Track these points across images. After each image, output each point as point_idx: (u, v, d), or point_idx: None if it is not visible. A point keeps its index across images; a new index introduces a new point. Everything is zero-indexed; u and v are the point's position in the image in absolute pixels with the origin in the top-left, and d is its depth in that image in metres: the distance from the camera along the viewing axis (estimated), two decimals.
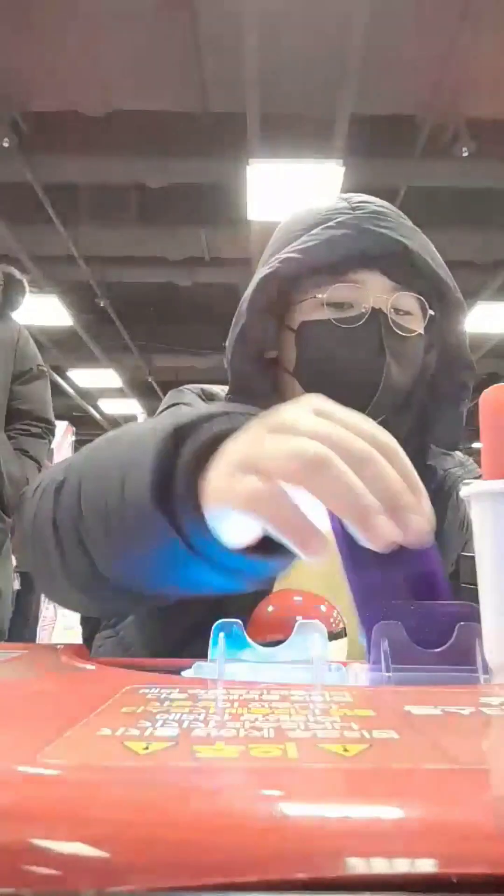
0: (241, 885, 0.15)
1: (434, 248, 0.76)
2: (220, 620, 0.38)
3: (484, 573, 0.34)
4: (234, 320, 0.76)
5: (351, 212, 0.73)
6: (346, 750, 0.20)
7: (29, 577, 3.70)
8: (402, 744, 0.21)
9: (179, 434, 0.42)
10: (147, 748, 0.20)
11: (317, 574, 0.50)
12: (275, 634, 0.41)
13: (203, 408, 0.46)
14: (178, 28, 3.55)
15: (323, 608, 0.53)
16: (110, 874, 0.15)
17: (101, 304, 6.56)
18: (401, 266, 0.72)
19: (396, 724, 0.24)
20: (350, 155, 4.02)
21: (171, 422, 0.43)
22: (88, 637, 0.75)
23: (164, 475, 0.41)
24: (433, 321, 0.76)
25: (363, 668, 0.36)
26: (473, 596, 0.36)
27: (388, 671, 0.34)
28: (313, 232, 0.72)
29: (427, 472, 0.78)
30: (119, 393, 9.50)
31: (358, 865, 0.15)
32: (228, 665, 0.35)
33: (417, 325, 0.74)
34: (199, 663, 0.38)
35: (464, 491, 0.36)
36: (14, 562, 2.33)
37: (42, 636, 4.34)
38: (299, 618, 0.40)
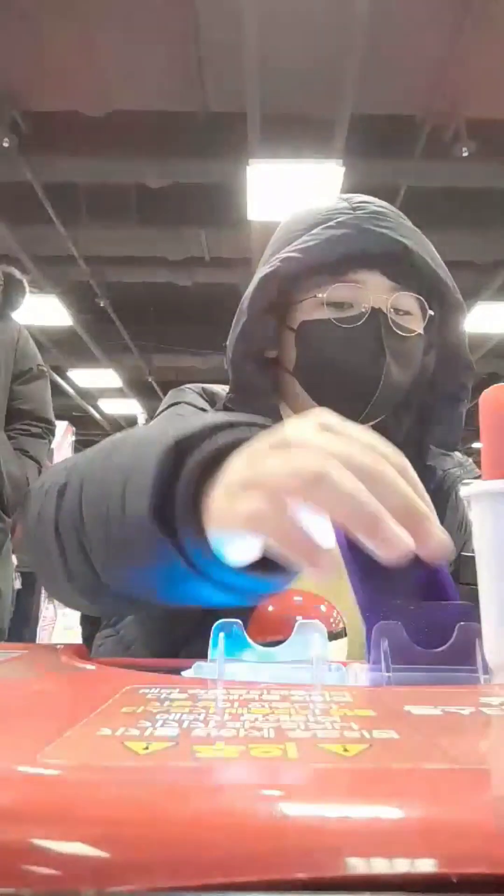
0: (241, 884, 0.15)
1: (433, 249, 0.76)
2: (220, 620, 0.38)
3: (484, 573, 0.34)
4: (234, 319, 0.76)
5: (351, 212, 0.73)
6: (346, 750, 0.20)
7: (30, 577, 3.70)
8: (402, 744, 0.21)
9: (181, 446, 0.41)
10: (147, 748, 0.20)
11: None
12: (275, 634, 0.41)
13: (208, 417, 0.45)
14: (178, 28, 3.55)
15: (323, 608, 0.53)
16: (110, 874, 0.15)
17: (101, 304, 6.56)
18: (401, 266, 0.72)
19: (396, 724, 0.24)
20: (350, 155, 4.02)
21: (173, 433, 0.42)
22: (88, 637, 0.76)
23: (165, 492, 0.40)
24: (433, 321, 0.76)
25: (363, 668, 0.36)
26: (473, 596, 0.36)
27: (388, 671, 0.34)
28: (314, 231, 0.73)
29: (426, 473, 0.78)
30: (119, 393, 9.51)
31: (358, 865, 0.15)
32: (228, 665, 0.35)
33: (417, 326, 0.75)
34: (199, 663, 0.38)
35: (463, 491, 0.36)
36: (14, 561, 2.33)
37: (42, 636, 4.34)
38: (299, 618, 0.40)
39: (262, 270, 0.74)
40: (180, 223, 5.20)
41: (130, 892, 0.15)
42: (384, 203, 0.76)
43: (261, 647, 0.38)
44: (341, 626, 0.68)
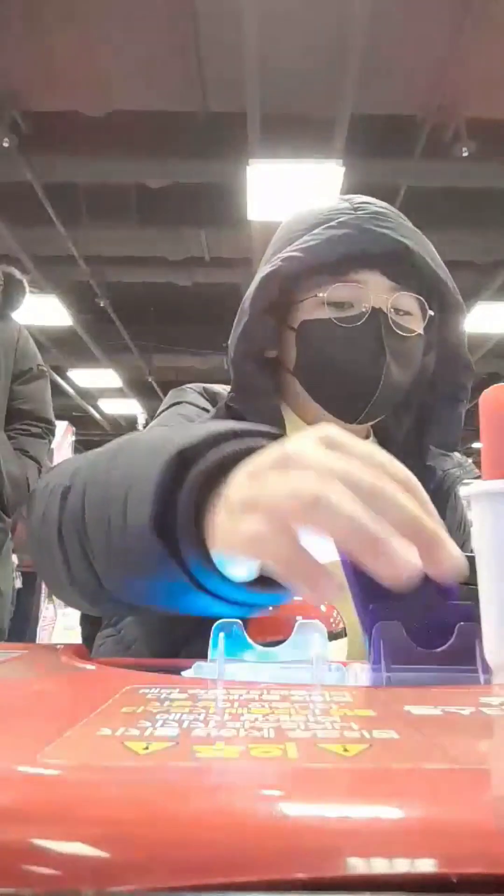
0: (241, 885, 0.15)
1: (433, 249, 0.76)
2: (220, 620, 0.38)
3: (484, 573, 0.34)
4: (236, 319, 0.76)
5: (353, 212, 0.73)
6: (346, 750, 0.20)
7: (30, 577, 3.70)
8: (402, 744, 0.21)
9: (184, 455, 0.40)
10: (147, 748, 0.20)
11: None
12: (275, 634, 0.41)
13: (212, 425, 0.44)
14: (177, 28, 3.55)
15: (323, 608, 0.53)
16: (110, 874, 0.15)
17: (101, 304, 6.56)
18: (401, 266, 0.72)
19: (396, 724, 0.24)
20: (350, 155, 4.02)
21: (177, 442, 0.41)
22: (88, 637, 0.76)
23: (167, 501, 0.40)
24: (432, 322, 0.76)
25: (363, 668, 0.36)
26: (473, 596, 0.36)
27: (388, 671, 0.34)
28: (315, 231, 0.73)
29: (426, 473, 0.78)
30: (119, 393, 9.51)
31: (358, 865, 0.15)
32: (228, 665, 0.35)
33: (417, 326, 0.75)
34: (199, 663, 0.38)
35: (463, 491, 0.36)
36: (15, 560, 2.33)
37: (42, 636, 4.34)
38: (299, 618, 0.40)
39: (263, 270, 0.74)
40: (180, 223, 5.19)
41: (130, 892, 0.15)
42: (385, 204, 0.77)
43: (261, 647, 0.38)
44: (341, 626, 0.68)
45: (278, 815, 0.16)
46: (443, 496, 0.78)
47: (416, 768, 0.19)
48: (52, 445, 2.12)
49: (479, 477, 0.74)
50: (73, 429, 6.12)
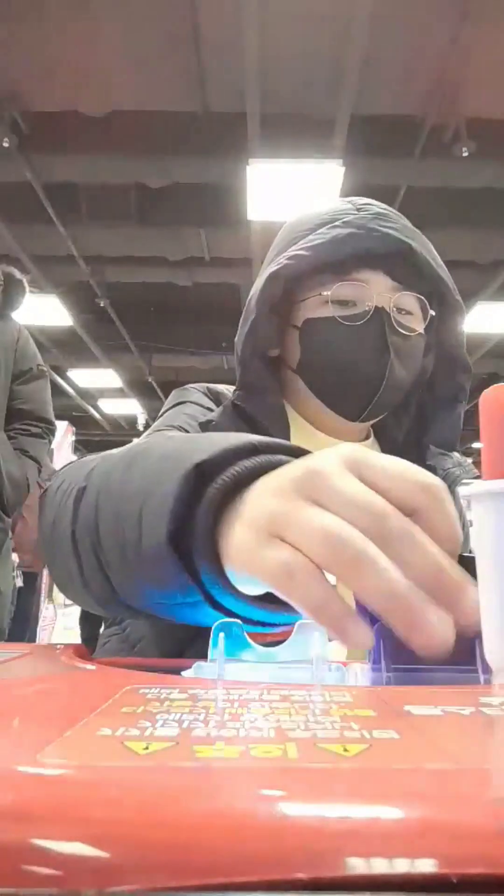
0: (241, 885, 0.15)
1: (434, 250, 0.77)
2: (220, 620, 0.38)
3: (484, 573, 0.34)
4: (242, 317, 0.77)
5: (356, 212, 0.74)
6: (346, 750, 0.20)
7: (30, 577, 3.70)
8: (402, 744, 0.21)
9: (201, 469, 0.39)
10: (147, 748, 0.20)
11: None
12: (275, 635, 0.41)
13: (232, 437, 0.42)
14: (178, 28, 3.55)
15: None
16: (110, 874, 0.15)
17: (101, 304, 6.57)
18: (403, 266, 0.73)
19: (396, 724, 0.24)
20: (350, 155, 4.02)
21: (195, 456, 0.39)
22: (88, 637, 0.76)
23: (183, 514, 0.39)
24: (432, 322, 0.77)
25: (363, 668, 0.36)
26: None
27: (388, 671, 0.34)
28: (320, 231, 0.73)
29: None
30: (119, 393, 9.51)
31: (358, 865, 0.15)
32: (228, 665, 0.35)
33: (418, 325, 0.75)
34: (199, 663, 0.38)
35: (463, 491, 0.36)
36: (15, 559, 2.33)
37: (42, 636, 4.34)
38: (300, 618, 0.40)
39: (269, 268, 0.75)
40: (180, 223, 5.20)
41: (130, 892, 0.15)
42: (386, 206, 0.78)
43: (261, 647, 0.38)
44: None
45: (278, 816, 0.16)
46: None
47: (416, 768, 0.19)
48: (52, 445, 2.12)
49: (478, 477, 0.74)
50: (73, 429, 6.13)
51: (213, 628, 0.37)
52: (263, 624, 0.40)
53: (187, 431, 0.72)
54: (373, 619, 0.32)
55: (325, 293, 0.73)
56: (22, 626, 3.57)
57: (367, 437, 0.83)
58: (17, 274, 1.96)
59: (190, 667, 0.38)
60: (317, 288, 0.73)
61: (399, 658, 0.33)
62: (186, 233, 5.34)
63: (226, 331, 6.99)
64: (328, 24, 3.41)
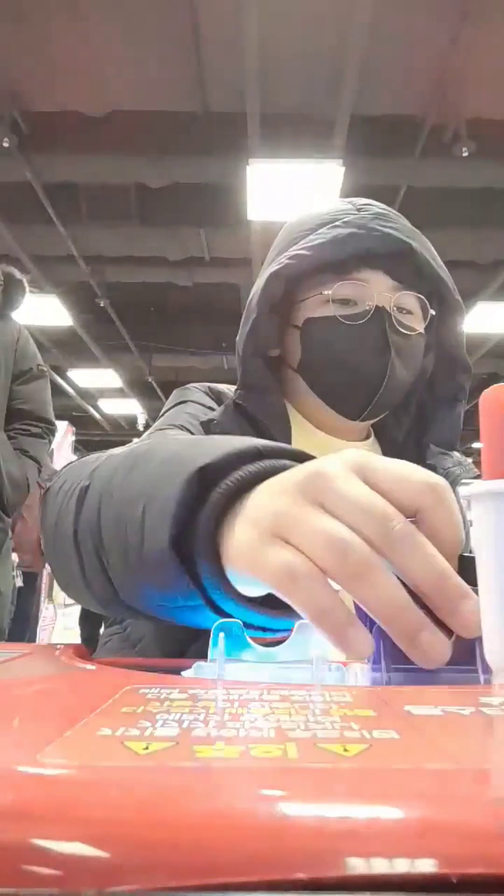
0: (241, 885, 0.15)
1: (434, 250, 0.77)
2: (220, 620, 0.38)
3: (484, 573, 0.34)
4: (243, 317, 0.77)
5: (356, 212, 0.74)
6: (346, 750, 0.20)
7: (30, 577, 3.70)
8: (402, 744, 0.21)
9: (204, 473, 0.39)
10: (147, 748, 0.20)
11: None
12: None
13: (235, 441, 0.41)
14: (177, 28, 3.55)
15: None
16: (110, 874, 0.15)
17: (101, 304, 6.57)
18: (404, 266, 0.73)
19: (396, 724, 0.24)
20: (350, 155, 4.02)
21: (198, 459, 0.39)
22: (88, 637, 0.76)
23: (185, 519, 0.39)
24: (432, 322, 0.77)
25: (363, 668, 0.36)
26: None
27: (388, 671, 0.34)
28: (320, 231, 0.74)
29: None
30: (119, 393, 9.51)
31: (358, 865, 0.15)
32: (228, 665, 0.35)
33: (418, 325, 0.75)
34: (199, 663, 0.38)
35: (463, 491, 0.36)
36: (15, 559, 2.33)
37: (42, 636, 4.35)
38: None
39: (270, 268, 0.75)
40: (180, 223, 5.20)
41: (130, 892, 0.15)
42: (386, 206, 0.78)
43: (261, 647, 0.38)
44: None
45: (278, 816, 0.16)
46: None
47: (416, 768, 0.19)
48: (52, 445, 2.12)
49: (478, 476, 0.74)
50: (73, 429, 6.13)
51: (213, 628, 0.37)
52: (264, 629, 0.40)
53: (189, 431, 0.72)
54: (373, 620, 0.32)
55: (325, 292, 0.73)
56: (22, 626, 3.57)
57: (367, 437, 0.83)
58: (17, 274, 1.96)
59: (190, 667, 0.38)
60: (317, 287, 0.74)
61: (399, 658, 0.33)
62: (186, 233, 5.34)
63: (226, 331, 6.99)
64: (328, 24, 3.41)
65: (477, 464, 0.75)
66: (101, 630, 0.77)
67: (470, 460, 0.85)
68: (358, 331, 0.72)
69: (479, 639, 0.33)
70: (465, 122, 4.15)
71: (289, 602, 0.32)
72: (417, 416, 0.83)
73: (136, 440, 0.61)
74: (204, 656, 0.37)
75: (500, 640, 0.33)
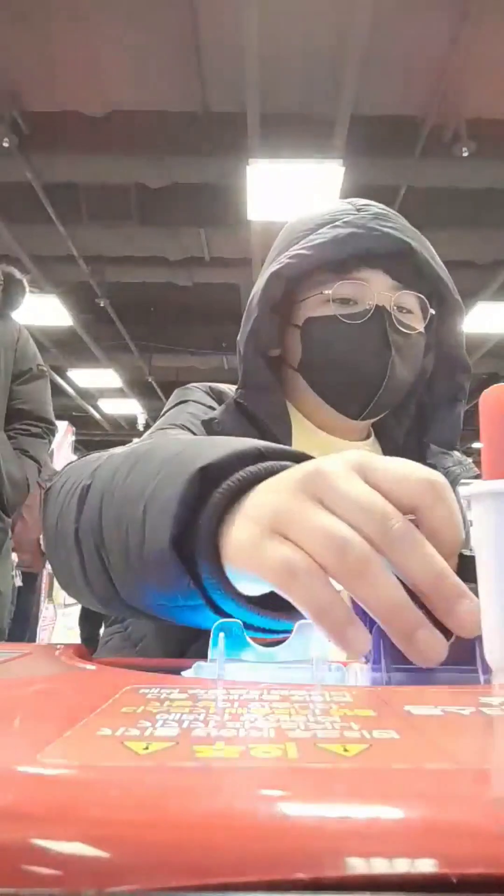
0: (241, 885, 0.15)
1: (433, 251, 0.77)
2: (220, 620, 0.38)
3: (484, 573, 0.34)
4: (244, 317, 0.77)
5: (356, 213, 0.75)
6: (346, 750, 0.20)
7: (29, 577, 3.70)
8: (402, 744, 0.21)
9: (205, 473, 0.39)
10: (147, 748, 0.20)
11: None
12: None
13: (235, 443, 0.42)
14: (177, 28, 3.55)
15: None
16: (110, 874, 0.15)
17: (101, 304, 6.57)
18: (403, 266, 0.73)
19: (396, 724, 0.24)
20: (350, 155, 4.02)
21: (199, 459, 0.39)
22: (88, 637, 0.76)
23: (186, 519, 0.39)
24: (431, 322, 0.77)
25: (363, 668, 0.36)
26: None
27: (388, 671, 0.34)
28: (320, 231, 0.74)
29: None
30: (119, 393, 9.51)
31: (358, 865, 0.15)
32: (228, 665, 0.35)
33: (418, 324, 0.76)
34: (199, 663, 0.38)
35: (463, 491, 0.36)
36: (14, 559, 2.33)
37: (42, 636, 4.34)
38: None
39: (271, 268, 0.75)
40: (180, 223, 5.20)
41: (130, 892, 0.15)
42: (385, 206, 0.78)
43: (261, 647, 0.38)
44: None
45: (278, 816, 0.16)
46: None
47: (416, 768, 0.19)
48: (53, 445, 2.12)
49: (478, 475, 0.74)
50: (73, 429, 6.13)
51: (213, 628, 0.37)
52: (264, 630, 0.40)
53: (190, 430, 0.72)
54: (372, 619, 0.32)
55: (326, 292, 0.73)
56: (22, 626, 3.57)
57: (367, 437, 0.83)
58: (17, 274, 1.96)
59: (190, 667, 0.38)
60: (318, 287, 0.74)
61: (399, 658, 0.33)
62: (186, 233, 5.34)
63: (226, 331, 6.99)
64: (328, 23, 3.41)
65: (477, 464, 0.75)
66: (101, 630, 0.77)
67: (470, 460, 0.85)
68: (358, 330, 0.72)
69: (479, 639, 0.33)
70: (465, 122, 4.15)
71: (288, 598, 0.32)
72: (417, 417, 0.83)
73: (136, 440, 0.61)
74: (205, 656, 0.37)
75: (500, 640, 0.33)
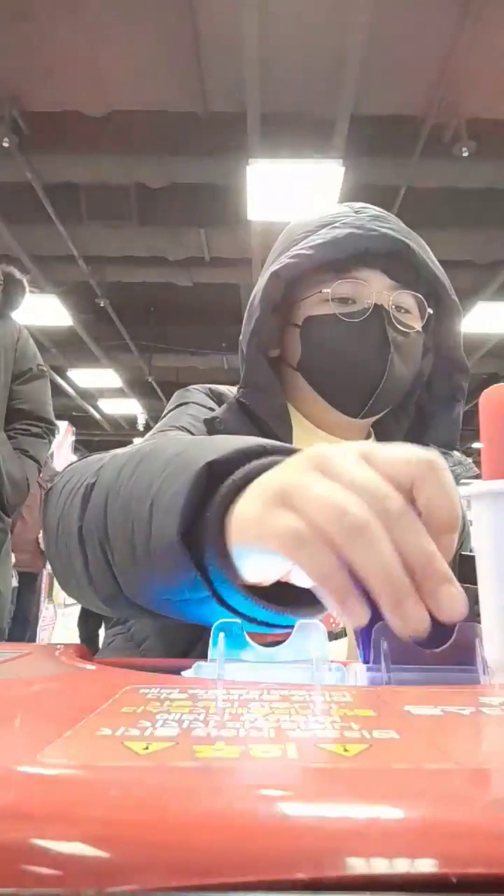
0: (241, 885, 0.15)
1: (431, 252, 0.78)
2: (220, 620, 0.38)
3: (484, 573, 0.35)
4: (245, 317, 0.78)
5: (354, 214, 0.76)
6: (346, 750, 0.20)
7: (29, 577, 3.70)
8: (402, 744, 0.21)
9: (212, 469, 0.40)
10: (147, 748, 0.20)
11: None
12: (275, 635, 0.41)
13: (239, 440, 0.43)
14: (178, 28, 3.55)
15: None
16: (110, 874, 0.15)
17: (101, 304, 6.57)
18: (401, 266, 0.74)
19: (396, 724, 0.24)
20: (350, 155, 4.02)
21: (206, 455, 0.40)
22: (87, 638, 0.76)
23: (192, 514, 0.39)
24: (429, 323, 0.78)
25: (363, 668, 0.36)
26: (473, 596, 0.36)
27: (387, 671, 0.34)
28: (319, 232, 0.75)
29: None
30: (119, 393, 9.51)
31: (358, 865, 0.15)
32: (228, 665, 0.35)
33: (416, 324, 0.76)
34: (199, 663, 0.38)
35: (463, 491, 0.36)
36: (13, 559, 2.33)
37: (42, 636, 4.35)
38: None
39: (271, 268, 0.76)
40: (180, 223, 5.20)
41: (130, 892, 0.15)
42: (382, 209, 0.80)
43: (261, 647, 0.38)
44: (341, 625, 0.68)
45: (278, 815, 0.16)
46: None
47: (416, 768, 0.19)
48: (53, 446, 2.12)
49: (478, 476, 0.74)
50: (73, 429, 6.14)
51: (213, 628, 0.37)
52: (267, 624, 0.41)
53: (190, 432, 0.72)
54: (373, 619, 0.32)
55: (325, 291, 0.74)
56: (22, 627, 3.57)
57: (367, 437, 0.83)
58: (17, 274, 1.96)
59: (190, 667, 0.38)
60: (317, 286, 0.75)
61: (399, 658, 0.33)
62: (186, 233, 5.34)
63: (226, 331, 6.99)
64: (328, 23, 3.41)
65: (477, 464, 0.75)
66: (101, 632, 0.77)
67: (470, 460, 0.85)
68: (357, 328, 0.73)
69: (479, 639, 0.33)
70: (465, 122, 4.15)
71: (295, 563, 0.33)
72: (417, 418, 0.83)
73: (136, 440, 0.62)
74: (207, 656, 0.37)
75: (500, 640, 0.33)
